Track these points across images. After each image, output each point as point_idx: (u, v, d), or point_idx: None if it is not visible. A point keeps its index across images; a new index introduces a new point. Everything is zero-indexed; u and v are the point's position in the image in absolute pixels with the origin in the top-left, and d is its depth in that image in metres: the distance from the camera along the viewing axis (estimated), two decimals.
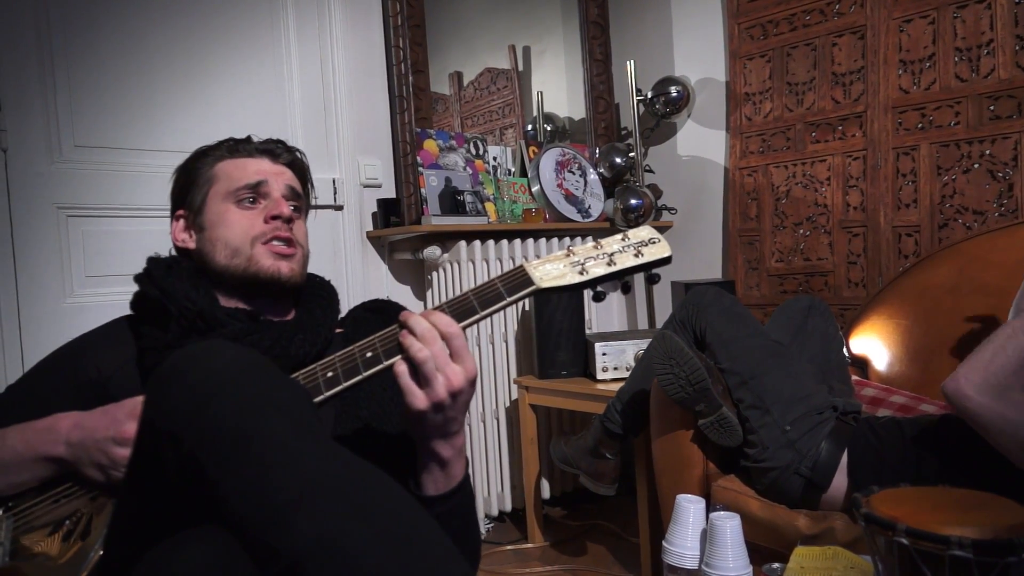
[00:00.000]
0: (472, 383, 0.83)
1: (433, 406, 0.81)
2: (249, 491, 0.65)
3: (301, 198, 1.16)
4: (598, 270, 0.90)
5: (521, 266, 0.90)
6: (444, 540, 0.68)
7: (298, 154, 1.19)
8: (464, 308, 0.86)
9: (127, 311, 1.09)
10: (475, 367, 0.83)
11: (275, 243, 1.08)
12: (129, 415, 0.86)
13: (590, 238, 2.72)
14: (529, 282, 0.88)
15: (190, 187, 1.13)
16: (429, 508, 0.83)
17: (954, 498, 0.96)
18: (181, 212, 1.14)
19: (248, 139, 1.16)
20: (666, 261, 0.91)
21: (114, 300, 1.94)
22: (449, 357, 0.81)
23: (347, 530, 0.63)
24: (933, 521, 0.85)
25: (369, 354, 0.84)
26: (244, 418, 0.68)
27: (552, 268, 0.90)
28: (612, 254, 0.91)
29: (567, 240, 2.69)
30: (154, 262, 1.09)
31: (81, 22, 1.97)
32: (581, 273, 0.89)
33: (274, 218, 1.09)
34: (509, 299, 0.87)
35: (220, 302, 1.06)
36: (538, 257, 2.56)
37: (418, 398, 0.81)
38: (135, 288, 1.07)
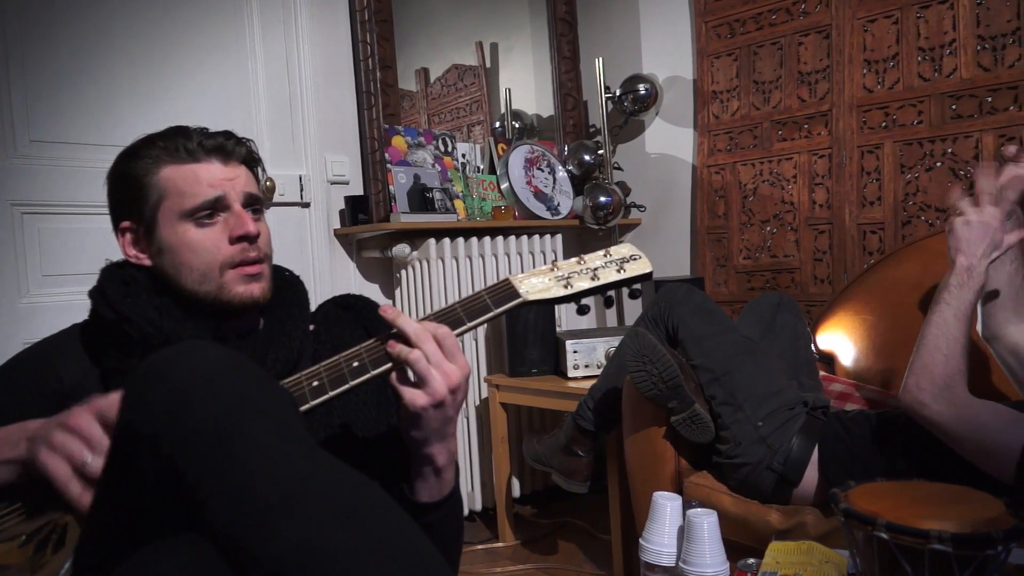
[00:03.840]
0: (467, 380, 0.84)
1: (434, 404, 0.81)
2: (230, 495, 0.63)
3: (260, 199, 1.06)
4: (582, 284, 0.93)
5: (507, 279, 0.92)
6: (429, 548, 0.67)
7: (250, 146, 1.07)
8: (451, 319, 0.88)
9: (86, 312, 1.03)
10: (468, 364, 0.85)
11: (244, 266, 1.00)
12: (86, 408, 0.80)
13: (559, 235, 2.72)
14: (515, 295, 0.90)
15: (133, 199, 1.00)
16: (423, 515, 0.83)
17: (932, 492, 0.97)
18: (127, 225, 1.02)
19: (186, 132, 1.02)
20: (647, 277, 0.95)
21: (72, 300, 1.89)
22: (443, 356, 0.82)
23: (331, 537, 0.61)
24: (912, 515, 0.86)
25: (356, 363, 0.84)
26: (226, 420, 0.65)
27: (537, 282, 0.92)
28: (595, 269, 0.94)
29: (537, 238, 2.68)
30: (108, 277, 1.00)
31: (37, 13, 1.90)
32: (566, 287, 0.92)
33: (240, 238, 0.99)
34: (496, 311, 0.89)
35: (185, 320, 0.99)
36: (508, 255, 2.58)
37: (417, 396, 0.81)
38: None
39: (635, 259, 0.94)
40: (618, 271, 0.93)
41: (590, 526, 2.47)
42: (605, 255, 0.95)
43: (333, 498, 0.65)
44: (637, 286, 0.95)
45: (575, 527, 2.51)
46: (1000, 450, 1.21)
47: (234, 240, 0.99)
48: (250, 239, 1.00)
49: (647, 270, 0.94)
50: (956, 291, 1.36)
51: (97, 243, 1.94)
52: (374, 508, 0.67)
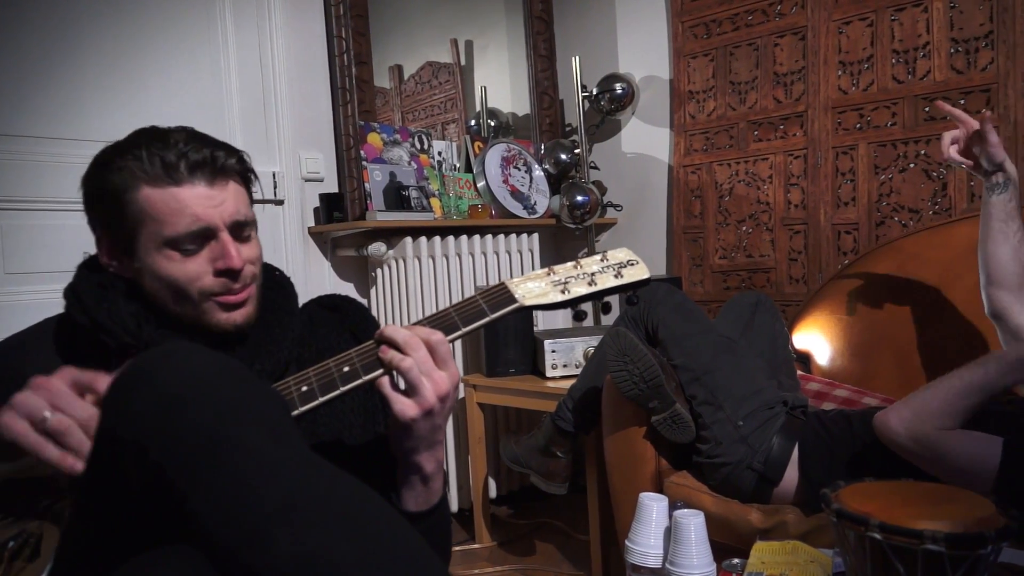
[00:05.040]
0: (456, 387, 0.82)
1: (424, 413, 0.79)
2: (223, 504, 0.60)
3: (251, 217, 0.97)
4: (580, 289, 0.91)
5: (503, 283, 0.90)
6: (428, 553, 0.65)
7: (243, 158, 0.98)
8: (446, 323, 0.85)
9: (52, 311, 0.99)
10: (458, 372, 0.82)
11: (226, 295, 0.93)
12: (57, 374, 0.73)
13: (536, 234, 2.71)
14: (511, 300, 0.88)
15: (110, 213, 0.92)
16: (412, 524, 0.80)
17: (922, 492, 0.97)
18: (103, 235, 0.95)
19: (165, 140, 0.91)
20: (644, 283, 0.93)
21: (39, 299, 1.83)
22: (434, 364, 0.80)
23: (332, 546, 0.59)
24: (904, 516, 0.86)
25: (346, 368, 0.81)
26: (218, 425, 0.63)
27: (534, 286, 0.90)
28: (592, 274, 0.92)
29: (513, 237, 2.66)
30: (84, 278, 0.94)
31: (2, 4, 1.84)
32: (563, 292, 0.90)
33: (223, 272, 0.92)
34: (492, 316, 0.87)
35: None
36: (484, 254, 2.56)
37: (408, 406, 0.79)
38: (61, 286, 0.96)
39: (632, 264, 0.93)
40: (616, 276, 0.92)
41: (568, 527, 2.46)
42: (602, 259, 0.94)
43: (331, 505, 0.62)
44: (633, 292, 0.94)
45: (553, 528, 2.50)
46: (975, 471, 1.19)
47: (218, 273, 0.92)
48: (233, 275, 0.92)
49: (644, 276, 0.93)
50: (1001, 367, 1.26)
51: (64, 240, 1.89)
52: (373, 514, 0.65)
